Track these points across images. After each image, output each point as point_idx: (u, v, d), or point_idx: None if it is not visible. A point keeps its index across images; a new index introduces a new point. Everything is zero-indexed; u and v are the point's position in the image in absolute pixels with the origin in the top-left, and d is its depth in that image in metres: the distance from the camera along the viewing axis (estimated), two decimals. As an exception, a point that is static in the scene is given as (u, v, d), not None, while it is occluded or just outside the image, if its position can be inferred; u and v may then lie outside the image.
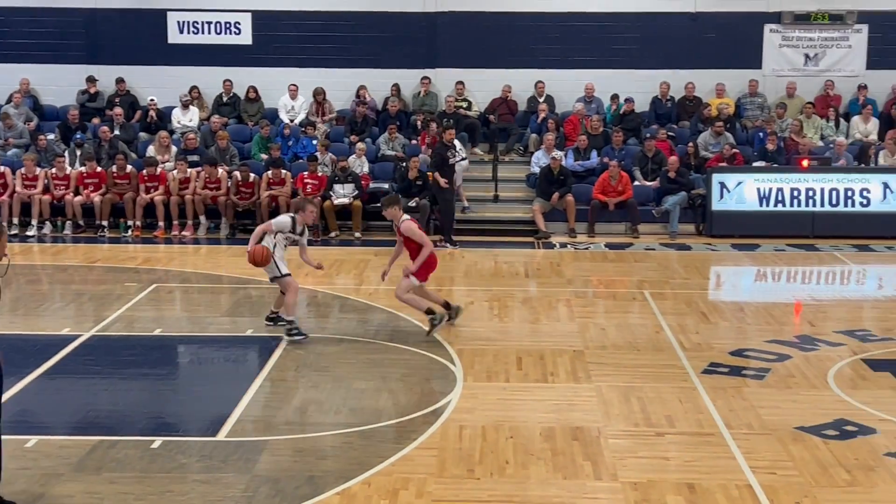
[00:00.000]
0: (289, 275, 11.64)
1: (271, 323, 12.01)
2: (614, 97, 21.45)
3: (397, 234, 12.02)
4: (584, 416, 9.23)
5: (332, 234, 18.51)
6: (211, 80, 21.70)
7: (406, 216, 11.97)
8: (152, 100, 21.19)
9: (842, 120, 21.22)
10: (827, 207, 18.72)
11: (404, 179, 18.84)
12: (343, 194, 18.57)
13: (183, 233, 18.63)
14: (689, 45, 21.65)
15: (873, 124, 20.85)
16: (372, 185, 19.25)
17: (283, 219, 11.85)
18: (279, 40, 21.83)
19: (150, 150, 19.92)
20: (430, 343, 11.49)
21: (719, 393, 9.82)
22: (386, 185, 19.19)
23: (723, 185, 18.76)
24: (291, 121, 21.23)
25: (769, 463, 8.14)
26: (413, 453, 8.34)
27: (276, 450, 8.44)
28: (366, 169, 19.57)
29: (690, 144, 20.00)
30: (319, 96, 21.43)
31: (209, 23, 21.96)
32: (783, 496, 7.53)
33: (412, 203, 18.49)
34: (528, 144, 20.96)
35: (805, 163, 19.04)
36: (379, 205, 18.73)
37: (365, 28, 21.74)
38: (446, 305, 12.05)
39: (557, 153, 19.48)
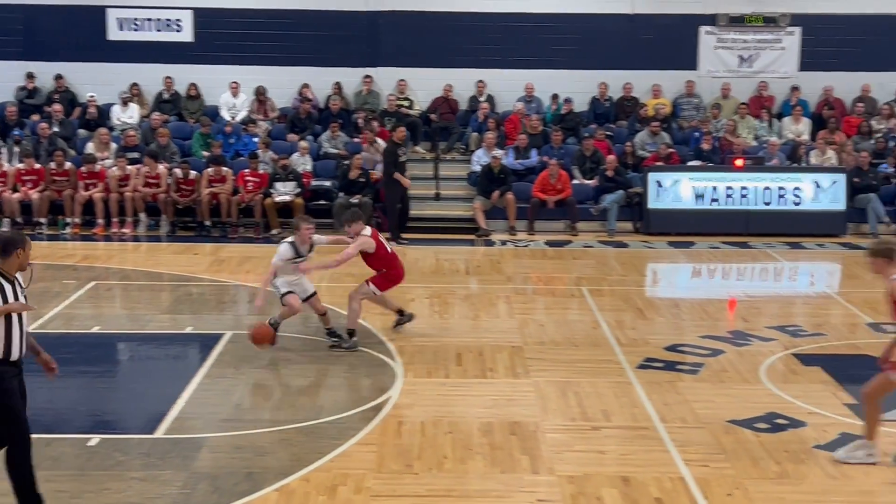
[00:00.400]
0: (289, 293, 11.13)
1: (335, 339, 11.39)
2: (554, 97, 21.66)
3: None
4: (522, 411, 9.35)
5: (274, 232, 18.47)
6: (151, 77, 21.53)
7: (367, 231, 11.64)
8: (92, 96, 20.96)
9: (775, 120, 21.62)
10: (760, 206, 19.08)
11: (345, 178, 18.87)
12: (284, 192, 18.55)
13: (122, 230, 18.48)
14: (626, 46, 21.92)
15: (805, 125, 21.27)
16: (314, 182, 19.26)
17: (283, 249, 11.18)
18: (221, 38, 21.69)
19: (90, 147, 19.72)
20: (370, 340, 11.56)
21: (654, 387, 10.00)
22: (328, 183, 19.22)
23: (659, 184, 19.04)
24: (233, 118, 21.14)
25: (702, 456, 8.31)
26: (352, 449, 8.40)
27: (215, 447, 8.45)
28: (308, 167, 19.56)
29: (628, 144, 20.27)
30: (261, 95, 21.37)
31: (149, 19, 21.77)
32: (715, 488, 7.69)
33: (354, 200, 18.56)
34: (469, 143, 21.09)
35: (739, 162, 19.38)
36: (322, 202, 19.02)
37: (307, 26, 21.70)
38: (400, 312, 12.01)
39: (498, 152, 19.63)
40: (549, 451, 8.39)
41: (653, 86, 21.87)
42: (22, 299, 6.86)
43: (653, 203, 18.97)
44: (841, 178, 19.09)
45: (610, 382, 10.15)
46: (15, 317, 6.78)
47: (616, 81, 21.80)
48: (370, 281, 11.61)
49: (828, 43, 21.83)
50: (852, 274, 16.21)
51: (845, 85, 21.86)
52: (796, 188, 19.14)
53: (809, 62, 22.03)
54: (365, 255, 11.58)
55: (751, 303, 14.09)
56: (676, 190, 19.06)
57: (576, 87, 21.69)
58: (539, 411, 9.36)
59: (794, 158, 20.29)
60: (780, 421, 9.13)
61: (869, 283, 15.25)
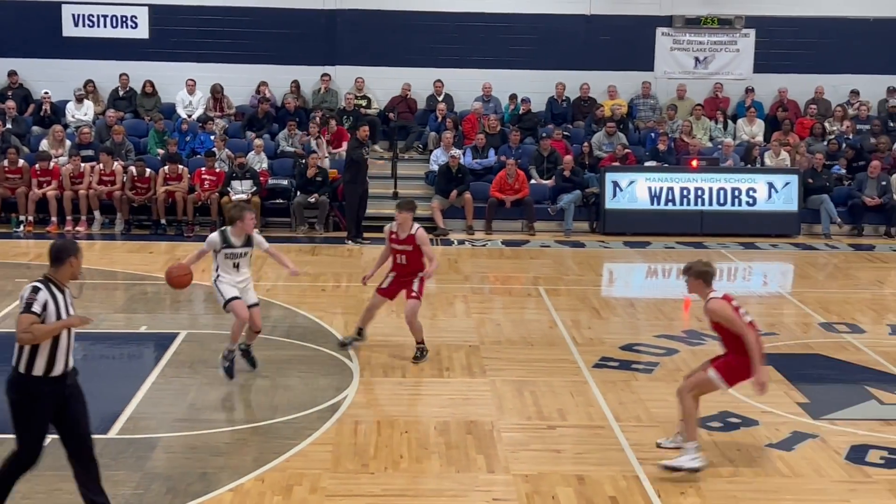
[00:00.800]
0: (233, 299, 9.93)
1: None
2: (512, 97, 21.73)
3: (392, 242, 10.94)
4: (479, 411, 9.40)
5: (230, 231, 18.37)
6: (107, 73, 21.34)
7: (418, 225, 10.93)
8: (46, 93, 20.73)
9: (729, 122, 21.85)
10: (715, 206, 19.27)
11: (303, 176, 18.81)
12: (241, 190, 18.45)
13: (77, 228, 18.30)
14: (584, 47, 22.05)
15: (759, 126, 21.52)
16: (271, 181, 19.18)
17: (212, 236, 10.16)
18: (177, 35, 21.56)
19: (44, 145, 19.50)
20: (327, 340, 11.54)
21: (609, 386, 10.09)
22: (285, 182, 19.15)
23: (616, 185, 19.17)
24: (189, 116, 21.00)
25: (657, 454, 8.38)
26: (308, 449, 8.40)
27: (169, 447, 8.41)
28: (264, 165, 19.49)
29: (585, 144, 20.40)
30: (218, 92, 21.25)
31: (105, 16, 21.58)
32: (669, 487, 7.77)
33: (311, 199, 18.51)
34: (427, 142, 21.11)
35: (694, 163, 19.58)
36: (279, 201, 18.96)
37: (264, 24, 21.61)
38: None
39: (456, 151, 19.66)
40: (504, 451, 8.44)
41: (609, 86, 22.01)
42: (72, 311, 6.63)
43: (609, 203, 19.10)
44: (794, 180, 19.33)
45: (566, 382, 10.22)
46: (64, 331, 6.54)
47: (573, 82, 21.92)
48: (418, 296, 10.86)
49: (782, 45, 22.12)
50: (805, 274, 16.43)
51: (799, 87, 22.15)
52: (750, 189, 19.35)
53: (764, 64, 22.30)
54: (415, 250, 10.88)
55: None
56: (632, 190, 19.21)
57: (533, 87, 21.80)
58: (495, 410, 9.41)
59: (748, 160, 20.51)
60: (732, 420, 9.24)
61: (821, 284, 15.51)
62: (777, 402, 9.70)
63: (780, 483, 7.93)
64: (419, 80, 21.78)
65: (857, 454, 8.46)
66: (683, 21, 22.21)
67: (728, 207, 19.31)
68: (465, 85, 21.83)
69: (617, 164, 19.69)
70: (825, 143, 20.76)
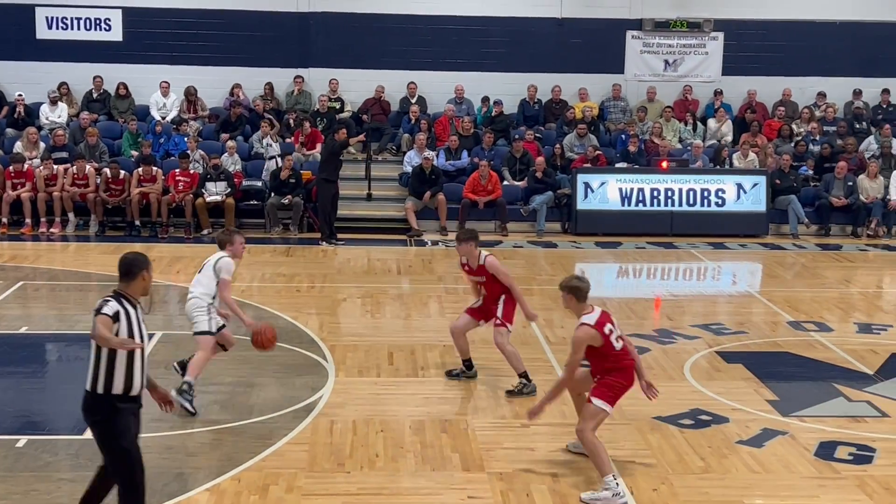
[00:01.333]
0: (220, 329, 9.59)
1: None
2: (484, 99, 21.84)
3: (467, 273, 10.23)
4: (453, 409, 9.49)
5: (205, 232, 18.40)
6: (81, 76, 21.28)
7: (486, 252, 9.98)
8: (20, 95, 20.62)
9: (699, 123, 22.06)
10: (685, 207, 19.47)
11: (276, 178, 18.84)
12: (216, 192, 18.47)
13: (51, 230, 18.25)
14: (555, 49, 22.19)
15: (728, 128, 21.74)
16: (245, 182, 19.20)
17: (229, 263, 9.54)
18: (150, 37, 21.53)
19: (18, 147, 19.42)
20: (302, 340, 11.60)
21: (582, 385, 10.19)
22: (259, 183, 19.18)
23: (587, 186, 19.33)
24: (163, 118, 20.98)
25: (629, 452, 8.51)
26: (283, 448, 8.44)
27: (145, 447, 8.29)
28: (238, 167, 19.50)
29: (557, 146, 20.53)
30: (191, 95, 21.24)
31: (79, 19, 21.51)
32: (642, 483, 7.89)
33: (285, 201, 18.55)
34: (401, 144, 21.19)
35: (664, 164, 19.77)
36: (253, 202, 18.97)
37: (238, 27, 21.62)
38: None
39: (429, 153, 19.75)
40: (479, 449, 8.51)
41: (580, 89, 22.16)
42: (144, 327, 6.44)
43: (581, 204, 19.25)
44: (762, 180, 19.56)
45: (539, 381, 10.27)
46: (138, 350, 6.32)
47: (545, 84, 22.06)
48: (505, 323, 10.04)
49: (750, 48, 22.36)
50: (773, 273, 16.62)
51: (767, 89, 22.40)
52: (719, 190, 19.56)
53: (732, 67, 22.52)
54: (491, 280, 10.03)
55: (675, 302, 14.41)
56: (604, 191, 19.37)
57: (505, 89, 21.92)
58: (470, 409, 9.50)
59: (717, 161, 20.73)
60: (703, 417, 9.36)
61: (789, 283, 15.71)
62: (747, 400, 9.83)
63: (750, 479, 8.04)
64: (392, 83, 21.87)
65: (826, 450, 8.58)
66: (653, 24, 22.40)
67: (697, 208, 19.51)
68: (438, 87, 21.93)
69: (588, 165, 19.85)
70: (792, 144, 21.00)
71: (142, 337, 6.39)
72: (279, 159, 19.34)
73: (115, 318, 6.27)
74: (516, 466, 8.16)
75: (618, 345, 7.93)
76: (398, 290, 14.65)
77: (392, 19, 21.84)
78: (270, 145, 19.73)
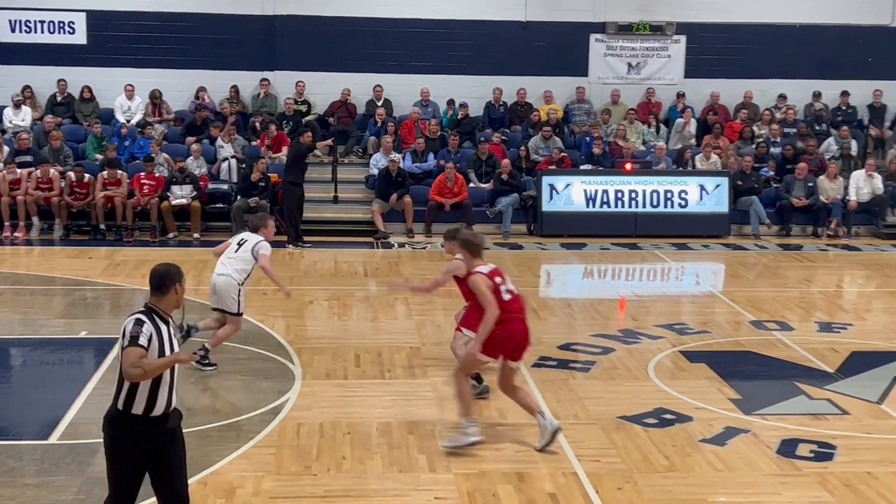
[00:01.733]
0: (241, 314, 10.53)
1: (481, 389, 10.03)
2: (450, 102, 21.91)
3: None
4: (420, 411, 9.52)
5: (171, 235, 18.35)
6: (45, 79, 21.17)
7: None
8: (-17, 99, 20.51)
9: (662, 125, 22.25)
10: (648, 208, 19.64)
11: (246, 179, 18.85)
12: (181, 195, 18.42)
13: (15, 234, 18.11)
14: (520, 52, 22.31)
15: (693, 127, 21.93)
16: (211, 185, 19.17)
17: (265, 246, 10.51)
18: (115, 40, 21.42)
19: (-20, 151, 19.29)
20: (268, 343, 11.60)
21: (548, 385, 10.26)
22: (225, 186, 19.15)
23: (552, 187, 19.45)
24: (128, 121, 20.89)
25: (594, 451, 8.58)
26: (250, 451, 8.44)
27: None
28: (204, 170, 19.46)
29: (522, 148, 20.64)
30: (156, 98, 21.17)
31: (42, 22, 21.36)
32: (607, 482, 7.95)
33: (251, 202, 18.53)
34: (367, 147, 21.22)
35: (628, 166, 19.92)
36: (219, 205, 18.93)
37: (203, 29, 21.55)
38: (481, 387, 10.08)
39: (395, 155, 19.79)
40: (447, 451, 8.54)
41: (545, 92, 22.29)
42: (176, 343, 6.04)
43: (546, 206, 19.36)
44: (724, 182, 19.77)
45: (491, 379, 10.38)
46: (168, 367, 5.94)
47: (510, 87, 22.17)
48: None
49: (711, 51, 22.58)
50: (735, 273, 16.80)
51: (728, 91, 22.61)
52: (682, 191, 19.74)
53: (694, 69, 22.73)
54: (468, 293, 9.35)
55: (640, 302, 14.54)
56: (569, 193, 19.50)
57: (471, 92, 21.98)
58: (437, 410, 9.54)
59: (680, 163, 20.92)
60: (667, 416, 9.45)
61: (751, 283, 15.89)
62: (710, 399, 9.94)
63: (713, 477, 8.13)
64: (358, 85, 21.89)
65: (788, 448, 8.69)
66: (616, 28, 22.56)
67: (661, 209, 19.68)
68: (404, 90, 21.96)
69: (553, 167, 19.97)
70: (754, 145, 21.24)
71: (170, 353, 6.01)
72: (232, 161, 19.35)
73: (149, 343, 5.84)
74: (482, 467, 8.21)
75: (506, 297, 8.44)
76: (365, 292, 14.68)
77: (358, 22, 21.86)
78: (223, 146, 19.74)
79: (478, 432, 8.49)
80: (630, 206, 19.62)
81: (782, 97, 22.66)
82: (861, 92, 22.80)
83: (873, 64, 22.88)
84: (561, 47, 22.42)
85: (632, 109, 22.07)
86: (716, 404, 9.81)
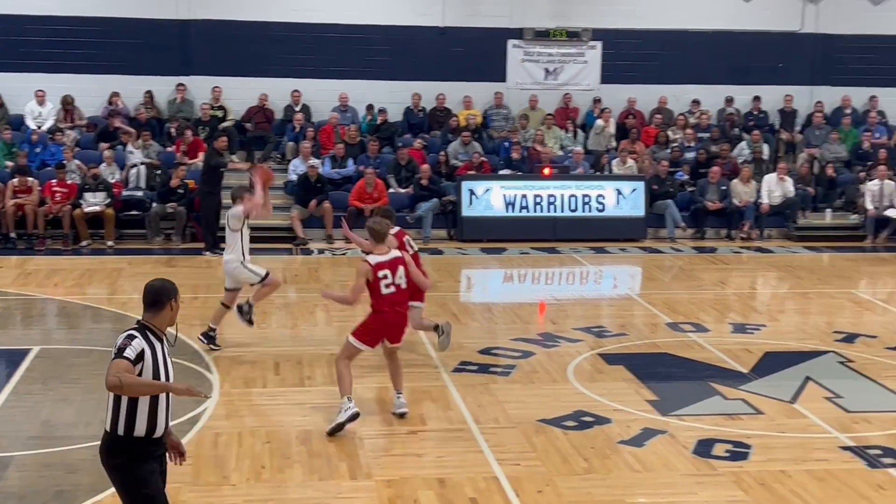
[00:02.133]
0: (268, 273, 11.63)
1: (209, 341, 11.55)
2: (369, 107, 21.86)
3: None
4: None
5: (84, 244, 17.99)
6: (-48, 85, 20.63)
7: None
8: None
9: (579, 131, 22.48)
10: (567, 213, 19.81)
11: (165, 185, 18.58)
12: (94, 202, 18.07)
13: (-79, 243, 17.63)
14: (438, 58, 22.35)
15: (612, 128, 22.18)
16: (125, 192, 18.85)
17: (234, 211, 11.40)
18: (25, 45, 20.92)
19: None
20: (185, 352, 11.42)
21: (469, 390, 10.29)
22: (140, 193, 18.85)
23: (472, 192, 19.52)
24: (39, 127, 20.42)
25: (514, 455, 8.62)
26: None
27: (23, 465, 8.23)
28: (117, 176, 19.13)
29: (441, 153, 20.69)
30: (68, 104, 20.74)
31: (-51, 26, 20.81)
32: (527, 486, 7.99)
33: (169, 209, 18.26)
34: (286, 152, 21.06)
35: (546, 171, 20.10)
36: (133, 212, 18.62)
37: (116, 34, 21.15)
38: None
39: (314, 161, 19.68)
40: (367, 457, 8.54)
41: (464, 97, 22.37)
42: (170, 362, 5.84)
43: (466, 211, 19.43)
44: (641, 186, 20.04)
45: (426, 386, 10.39)
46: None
47: (429, 92, 22.20)
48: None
49: (627, 57, 22.86)
50: (652, 276, 17.04)
51: (644, 97, 22.93)
52: (600, 195, 19.97)
53: (610, 75, 22.99)
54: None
55: (559, 306, 14.65)
56: (488, 198, 19.59)
57: (390, 97, 21.98)
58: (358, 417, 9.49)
59: (597, 167, 21.16)
60: (586, 418, 9.54)
61: (667, 286, 16.13)
62: (628, 401, 10.06)
63: (632, 478, 8.22)
64: (276, 91, 21.71)
65: (704, 448, 8.82)
66: (533, 34, 22.72)
67: (579, 213, 19.86)
68: (323, 95, 21.83)
69: (473, 172, 20.05)
70: (668, 150, 21.58)
71: (167, 374, 5.78)
72: (141, 167, 19.08)
73: (139, 358, 5.62)
74: (403, 473, 8.21)
75: (385, 290, 9.10)
76: (284, 299, 14.55)
77: (274, 27, 21.69)
78: (132, 153, 19.46)
79: (354, 405, 9.01)
80: (549, 211, 19.77)
81: (696, 102, 23.05)
82: (772, 97, 23.31)
83: (783, 69, 23.42)
84: (479, 53, 22.52)
85: (549, 115, 22.25)
86: (634, 406, 9.92)
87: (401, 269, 9.24)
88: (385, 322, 9.21)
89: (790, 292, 16.21)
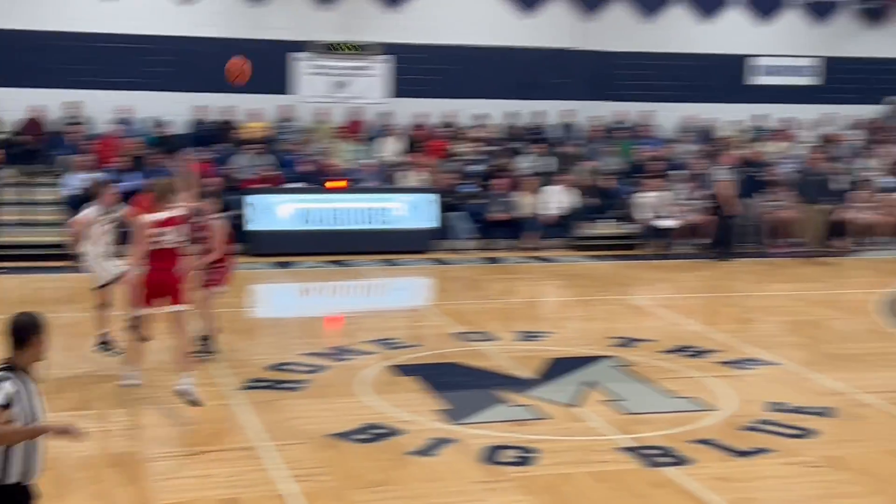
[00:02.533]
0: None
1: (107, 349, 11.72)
2: (152, 119, 21.27)
3: None
4: (124, 442, 9.17)
5: None
6: None
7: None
8: None
9: (369, 143, 22.61)
10: (357, 225, 19.88)
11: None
12: None
13: None
14: (222, 69, 21.82)
15: (400, 144, 22.41)
16: None
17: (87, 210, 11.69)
18: None
19: None
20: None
21: (260, 407, 10.12)
22: None
23: (260, 206, 19.29)
24: None
25: (306, 471, 8.53)
26: (-64, 497, 7.82)
27: None
28: None
29: (228, 166, 20.33)
30: None
31: None
32: (319, 501, 7.93)
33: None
34: (63, 166, 20.20)
35: (336, 184, 20.10)
36: None
37: None
38: None
39: (93, 175, 18.95)
40: (153, 481, 8.28)
41: (252, 109, 22.09)
42: (36, 402, 5.39)
43: (254, 225, 19.17)
44: (431, 198, 20.33)
45: (215, 405, 10.16)
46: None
47: (216, 104, 21.80)
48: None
49: (415, 71, 23.17)
50: (442, 287, 17.30)
51: (433, 110, 23.29)
52: (390, 208, 20.13)
53: (400, 89, 23.24)
54: None
55: (351, 319, 14.65)
56: (277, 212, 19.40)
57: (175, 109, 21.45)
58: (142, 440, 9.21)
59: (387, 180, 21.32)
60: (377, 431, 9.55)
61: (457, 295, 16.42)
62: (420, 411, 10.14)
63: (423, 489, 8.27)
64: (51, 102, 20.82)
65: (493, 455, 8.98)
66: (321, 47, 22.71)
67: (369, 226, 19.96)
68: (103, 107, 21.09)
69: (261, 186, 19.81)
70: (456, 163, 22.00)
71: (39, 413, 5.43)
72: None
73: (12, 402, 5.23)
74: (192, 495, 8.00)
75: (153, 246, 9.71)
76: (64, 319, 13.92)
77: (49, 36, 20.78)
78: None
79: (138, 376, 9.96)
80: (338, 224, 19.77)
81: (482, 116, 23.59)
82: (555, 111, 24.12)
83: (564, 85, 24.29)
84: (266, 65, 22.11)
85: (339, 127, 22.26)
86: (424, 416, 10.00)
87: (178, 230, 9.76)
88: (147, 281, 9.75)
89: (573, 300, 16.78)
